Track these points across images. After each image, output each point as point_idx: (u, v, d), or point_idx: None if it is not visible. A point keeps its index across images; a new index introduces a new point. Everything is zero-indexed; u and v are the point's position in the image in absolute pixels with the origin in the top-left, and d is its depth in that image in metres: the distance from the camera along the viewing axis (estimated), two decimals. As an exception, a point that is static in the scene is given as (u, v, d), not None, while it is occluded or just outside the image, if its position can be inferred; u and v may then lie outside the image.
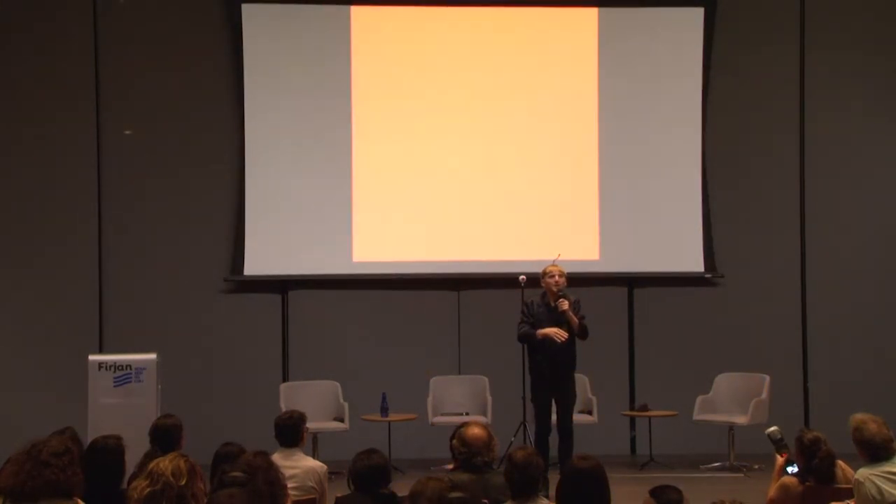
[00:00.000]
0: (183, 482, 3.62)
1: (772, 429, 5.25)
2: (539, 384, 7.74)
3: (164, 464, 3.66)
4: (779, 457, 5.13)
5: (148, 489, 3.58)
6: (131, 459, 4.62)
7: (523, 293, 8.05)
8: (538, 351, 7.71)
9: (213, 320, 9.40)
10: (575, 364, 7.77)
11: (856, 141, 9.82)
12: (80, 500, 3.45)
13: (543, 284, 7.80)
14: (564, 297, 7.65)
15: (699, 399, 8.93)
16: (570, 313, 7.62)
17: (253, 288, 9.49)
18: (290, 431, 5.29)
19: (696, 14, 9.65)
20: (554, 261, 7.89)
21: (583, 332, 7.71)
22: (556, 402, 7.75)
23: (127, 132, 9.45)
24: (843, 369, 9.55)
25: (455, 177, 9.55)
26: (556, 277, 7.71)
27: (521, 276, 8.15)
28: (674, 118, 9.64)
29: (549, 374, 7.67)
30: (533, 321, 7.73)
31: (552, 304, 7.69)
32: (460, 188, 9.54)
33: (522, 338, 7.74)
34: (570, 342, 7.72)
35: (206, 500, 3.72)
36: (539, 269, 7.86)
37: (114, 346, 8.77)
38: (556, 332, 7.55)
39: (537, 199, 9.57)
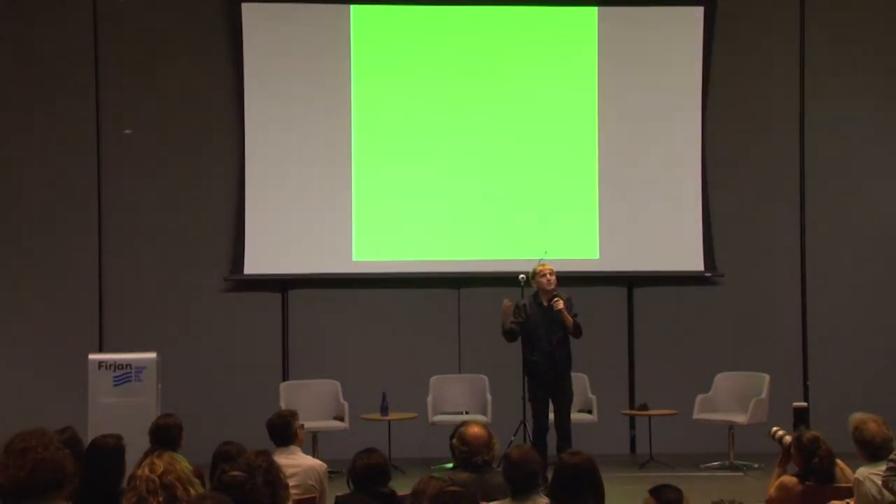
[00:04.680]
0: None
1: (781, 433, 5.25)
2: (535, 383, 7.77)
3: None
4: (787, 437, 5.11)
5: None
6: (131, 459, 4.62)
7: (523, 292, 8.06)
8: (532, 351, 7.73)
9: (213, 320, 9.41)
10: (570, 363, 7.80)
11: (856, 140, 9.82)
12: None
13: (535, 284, 7.82)
14: (558, 296, 7.66)
15: (699, 398, 8.93)
16: (565, 312, 7.64)
17: (253, 287, 9.49)
18: (282, 430, 5.30)
19: (696, 13, 9.65)
20: (541, 259, 7.90)
21: (577, 331, 7.74)
22: (553, 402, 7.77)
23: (127, 132, 9.45)
24: (843, 369, 9.55)
25: (455, 176, 9.55)
26: (548, 276, 7.74)
27: (521, 276, 8.15)
28: (673, 117, 9.64)
29: (545, 373, 7.68)
30: (523, 321, 7.75)
31: (545, 304, 7.71)
32: (460, 188, 9.54)
33: (505, 334, 7.80)
34: (564, 341, 7.74)
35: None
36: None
37: (114, 346, 8.77)
38: (506, 311, 7.69)
39: (537, 198, 9.57)
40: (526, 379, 7.89)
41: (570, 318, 7.68)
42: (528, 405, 7.94)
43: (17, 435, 3.14)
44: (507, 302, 7.79)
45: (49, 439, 3.11)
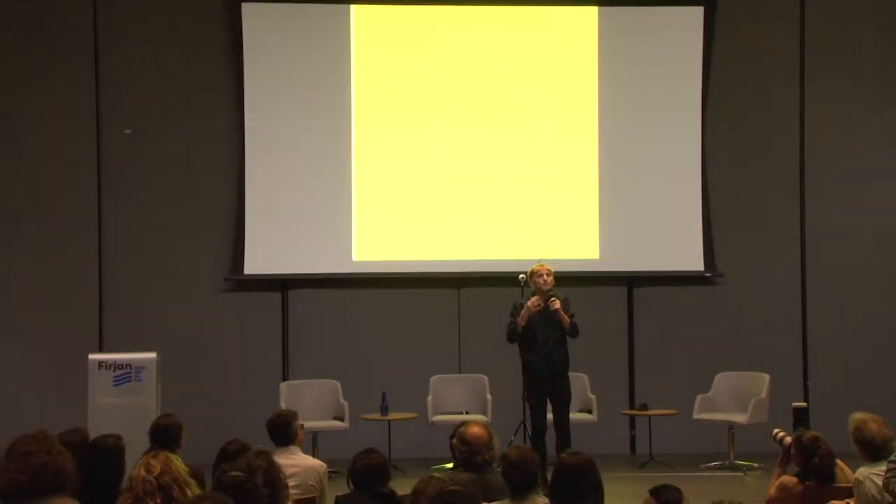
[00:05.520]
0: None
1: (781, 434, 5.25)
2: (532, 384, 7.77)
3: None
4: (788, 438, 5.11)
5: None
6: (131, 459, 4.62)
7: (523, 292, 8.06)
8: (530, 351, 7.73)
9: (213, 320, 9.41)
10: (568, 363, 7.80)
11: (856, 140, 9.82)
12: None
13: (532, 284, 7.83)
14: (555, 296, 7.67)
15: (699, 398, 8.93)
16: (562, 312, 7.64)
17: (253, 287, 9.49)
18: (282, 430, 5.32)
19: (696, 13, 9.65)
20: (540, 260, 7.90)
21: (573, 331, 7.74)
22: (551, 402, 7.77)
23: (127, 132, 9.45)
24: (843, 369, 9.55)
25: (455, 176, 9.54)
26: (545, 276, 7.74)
27: (521, 276, 8.15)
28: (673, 117, 9.64)
29: (543, 373, 7.68)
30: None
31: (542, 304, 7.70)
32: (460, 188, 9.54)
33: (510, 336, 7.78)
34: (562, 341, 7.74)
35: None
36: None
37: (114, 346, 8.77)
38: (532, 303, 7.60)
39: (537, 198, 9.57)
40: (524, 379, 7.89)
41: (566, 318, 7.68)
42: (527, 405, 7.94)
43: (20, 438, 3.14)
44: (533, 300, 7.72)
45: (51, 443, 3.11)
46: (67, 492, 3.10)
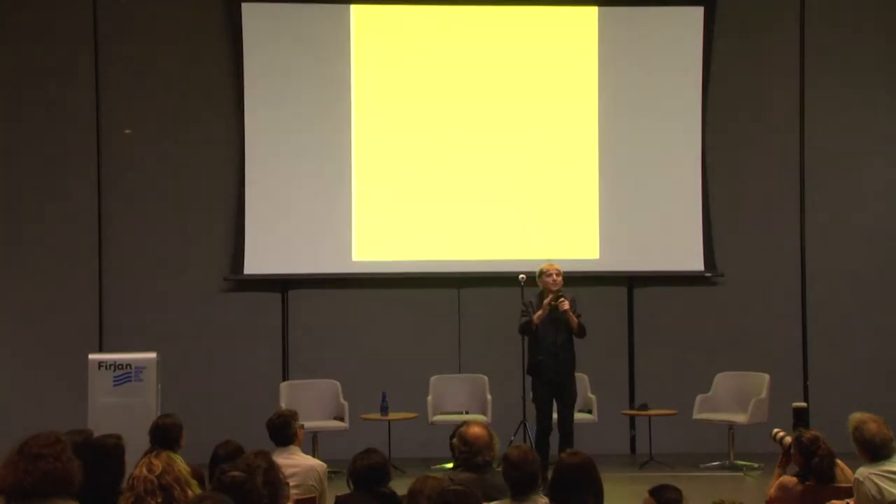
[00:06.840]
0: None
1: (781, 434, 5.25)
2: (539, 384, 7.76)
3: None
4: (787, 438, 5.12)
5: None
6: (131, 459, 4.62)
7: (523, 292, 8.06)
8: (538, 351, 7.72)
9: (213, 320, 9.41)
10: (574, 363, 7.80)
11: (856, 139, 9.82)
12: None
13: (541, 283, 7.82)
14: (563, 296, 7.66)
15: (699, 398, 8.93)
16: (570, 312, 7.64)
17: (253, 287, 9.49)
18: (282, 430, 5.33)
19: (696, 13, 9.65)
20: (549, 260, 7.90)
21: (581, 331, 7.74)
22: (556, 402, 7.77)
23: (127, 132, 9.45)
24: (843, 369, 9.55)
25: (455, 176, 9.54)
26: (554, 276, 7.74)
27: (521, 276, 8.16)
28: (674, 117, 9.64)
29: (551, 374, 7.68)
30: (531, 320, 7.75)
31: (551, 304, 7.70)
32: (460, 188, 9.54)
33: (523, 328, 7.75)
34: (569, 342, 7.74)
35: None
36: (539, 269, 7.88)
37: (114, 346, 8.77)
38: (548, 301, 7.58)
39: (537, 198, 9.57)
40: (530, 379, 7.88)
41: (574, 318, 7.68)
42: (529, 405, 7.93)
43: (33, 437, 3.13)
44: (551, 298, 7.71)
45: (63, 448, 3.11)
46: (70, 496, 3.11)
